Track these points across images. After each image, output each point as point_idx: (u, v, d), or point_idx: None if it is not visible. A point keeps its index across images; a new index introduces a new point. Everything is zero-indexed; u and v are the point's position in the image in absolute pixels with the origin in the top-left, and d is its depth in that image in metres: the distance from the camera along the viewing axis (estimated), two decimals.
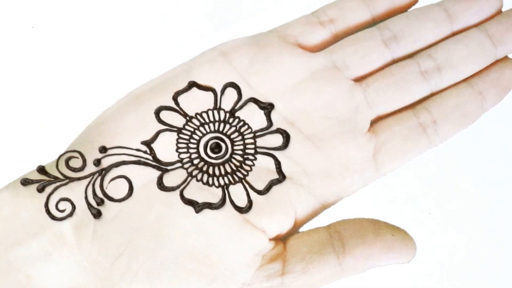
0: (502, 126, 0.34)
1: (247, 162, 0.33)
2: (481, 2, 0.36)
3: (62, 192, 0.32)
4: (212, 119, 0.34)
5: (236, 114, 0.34)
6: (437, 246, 0.31)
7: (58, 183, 0.32)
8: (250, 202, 0.32)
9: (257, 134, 0.33)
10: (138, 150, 0.33)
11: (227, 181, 0.32)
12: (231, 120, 0.34)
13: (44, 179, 0.32)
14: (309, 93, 0.34)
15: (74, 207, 0.31)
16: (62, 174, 0.32)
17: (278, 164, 0.33)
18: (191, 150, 0.33)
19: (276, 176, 0.32)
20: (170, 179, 0.32)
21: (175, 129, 0.33)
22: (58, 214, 0.31)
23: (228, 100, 0.34)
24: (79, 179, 0.32)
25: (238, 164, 0.33)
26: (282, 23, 0.36)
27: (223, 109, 0.34)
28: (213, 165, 0.33)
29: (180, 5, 0.43)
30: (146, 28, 0.43)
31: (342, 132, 0.33)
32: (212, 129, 0.34)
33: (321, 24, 0.36)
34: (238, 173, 0.33)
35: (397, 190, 0.32)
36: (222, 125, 0.34)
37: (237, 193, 0.32)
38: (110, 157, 0.32)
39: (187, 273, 0.30)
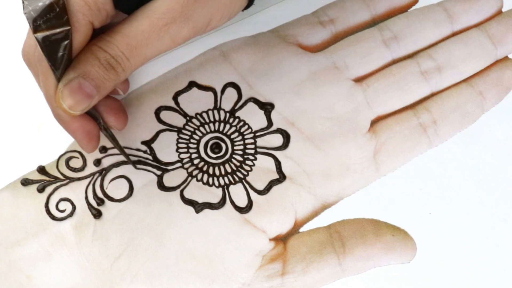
0: (502, 126, 0.34)
1: (247, 162, 0.33)
2: (481, 2, 0.36)
3: (62, 192, 0.32)
4: (212, 119, 0.34)
5: (236, 114, 0.34)
6: (437, 246, 0.31)
7: (58, 183, 0.32)
8: (250, 202, 0.32)
9: (257, 134, 0.33)
10: (138, 150, 0.33)
11: (227, 181, 0.32)
12: (231, 120, 0.34)
13: (44, 179, 0.32)
14: (309, 93, 0.34)
15: (74, 207, 0.31)
16: (62, 174, 0.32)
17: (278, 164, 0.33)
18: (191, 150, 0.33)
19: (276, 176, 0.32)
20: (170, 179, 0.32)
21: (175, 129, 0.33)
22: (58, 214, 0.31)
23: (228, 100, 0.34)
24: (79, 179, 0.32)
25: (238, 164, 0.33)
26: (282, 23, 0.36)
27: (223, 109, 0.34)
28: (213, 165, 0.33)
29: None
30: None
31: (342, 132, 0.33)
32: (212, 129, 0.34)
33: (321, 24, 0.36)
34: (238, 173, 0.33)
35: (397, 190, 0.32)
36: (222, 125, 0.34)
37: (237, 193, 0.32)
38: (110, 157, 0.32)
39: (187, 273, 0.30)
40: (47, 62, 0.26)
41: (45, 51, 0.25)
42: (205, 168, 0.33)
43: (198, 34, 0.28)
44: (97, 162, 0.32)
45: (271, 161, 0.33)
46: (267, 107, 0.34)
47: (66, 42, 0.25)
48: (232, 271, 0.30)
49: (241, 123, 0.34)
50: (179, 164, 0.33)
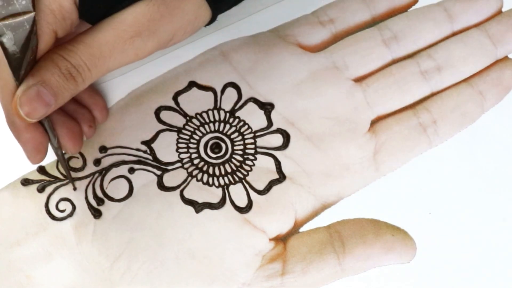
0: (502, 126, 0.34)
1: (247, 162, 0.33)
2: (481, 2, 0.36)
3: (62, 192, 0.32)
4: (212, 119, 0.34)
5: (236, 114, 0.34)
6: (437, 246, 0.31)
7: (58, 183, 0.32)
8: (250, 202, 0.32)
9: (257, 134, 0.33)
10: (138, 150, 0.33)
11: (227, 181, 0.32)
12: (231, 120, 0.34)
13: (44, 179, 0.32)
14: (309, 93, 0.34)
15: (74, 207, 0.31)
16: (62, 174, 0.32)
17: (278, 164, 0.33)
18: (191, 150, 0.33)
19: (276, 176, 0.32)
20: (170, 179, 0.32)
21: (175, 129, 0.33)
22: (58, 214, 0.31)
23: (228, 100, 0.34)
24: (79, 179, 0.32)
25: (238, 164, 0.33)
26: (282, 23, 0.36)
27: (223, 109, 0.34)
28: (213, 165, 0.33)
29: None
30: None
31: (342, 132, 0.33)
32: (212, 129, 0.34)
33: (321, 24, 0.36)
34: (238, 173, 0.33)
35: (397, 190, 0.32)
36: (222, 125, 0.34)
37: (237, 193, 0.32)
38: (110, 157, 0.32)
39: (187, 273, 0.30)
40: (7, 66, 0.25)
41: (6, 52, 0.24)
42: (205, 168, 0.33)
43: (161, 48, 0.29)
44: (97, 162, 0.32)
45: (271, 161, 0.33)
46: (267, 107, 0.34)
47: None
48: (232, 271, 0.30)
49: (241, 123, 0.34)
50: (179, 164, 0.33)
